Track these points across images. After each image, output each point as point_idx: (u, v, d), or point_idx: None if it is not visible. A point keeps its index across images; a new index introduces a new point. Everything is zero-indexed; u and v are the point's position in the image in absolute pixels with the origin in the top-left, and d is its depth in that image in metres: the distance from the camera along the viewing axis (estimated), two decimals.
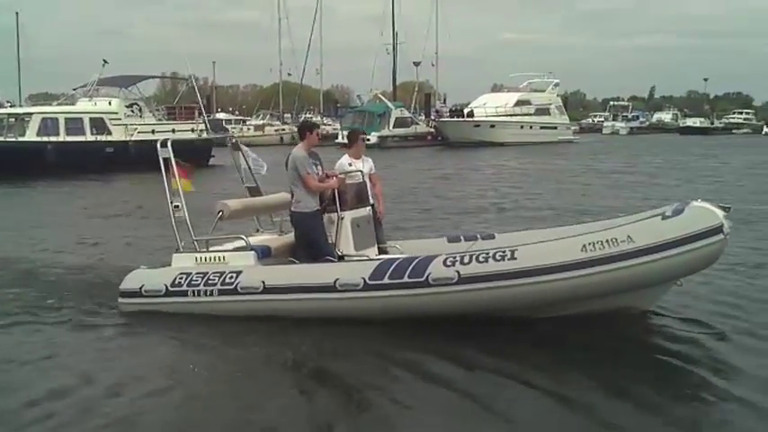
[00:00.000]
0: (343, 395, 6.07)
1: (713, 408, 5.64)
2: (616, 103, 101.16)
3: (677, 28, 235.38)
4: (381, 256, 8.13)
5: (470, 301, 7.06)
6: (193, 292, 7.91)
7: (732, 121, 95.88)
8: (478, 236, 9.01)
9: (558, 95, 66.25)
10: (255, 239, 8.58)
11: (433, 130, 58.07)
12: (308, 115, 72.38)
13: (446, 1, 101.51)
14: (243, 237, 8.37)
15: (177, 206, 8.23)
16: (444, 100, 67.78)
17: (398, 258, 7.50)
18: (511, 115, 57.43)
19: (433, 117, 61.34)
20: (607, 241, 6.86)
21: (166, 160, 8.32)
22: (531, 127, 57.53)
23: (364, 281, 7.32)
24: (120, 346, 7.58)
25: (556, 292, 6.94)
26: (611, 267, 6.81)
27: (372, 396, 5.96)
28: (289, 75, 71.49)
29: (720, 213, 7.04)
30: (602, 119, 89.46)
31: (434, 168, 33.94)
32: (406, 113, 58.77)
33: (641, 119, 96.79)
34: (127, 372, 6.63)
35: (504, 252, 7.06)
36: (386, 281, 7.26)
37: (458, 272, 7.05)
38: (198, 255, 8.21)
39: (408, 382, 6.22)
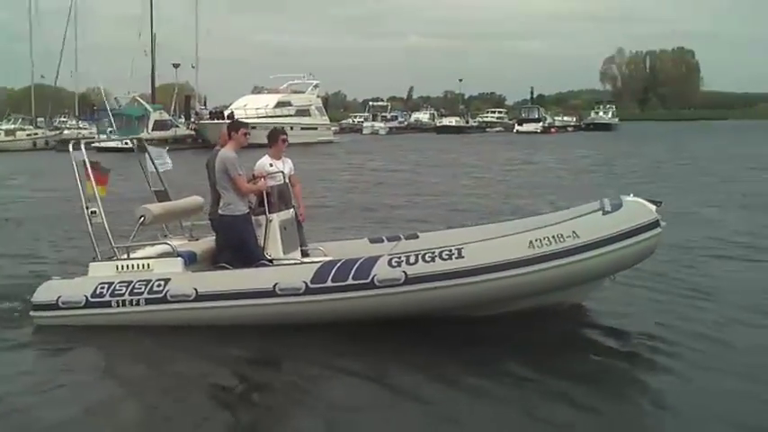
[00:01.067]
0: (284, 405, 5.83)
1: (644, 405, 5.76)
2: (375, 103, 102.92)
3: (434, 30, 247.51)
4: (319, 259, 7.84)
5: (418, 302, 6.89)
6: (117, 302, 7.37)
7: (486, 119, 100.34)
8: (401, 236, 8.85)
9: (318, 96, 67.15)
10: (176, 245, 8.06)
11: (193, 132, 56.61)
12: (62, 119, 70.00)
13: (205, 2, 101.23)
14: (168, 242, 7.88)
15: (94, 212, 7.66)
16: (205, 102, 65.91)
17: (339, 260, 7.23)
18: (272, 117, 56.96)
19: (193, 119, 59.81)
20: (553, 237, 6.85)
21: (80, 163, 7.73)
22: (291, 128, 56.29)
23: (306, 285, 7.01)
24: (38, 363, 7.04)
25: (504, 290, 6.87)
26: (559, 263, 6.80)
27: (315, 404, 5.78)
28: (42, 77, 67.90)
29: (653, 207, 7.18)
30: (363, 119, 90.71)
31: (192, 173, 32.45)
32: (166, 116, 57.46)
33: (400, 119, 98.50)
34: (49, 391, 6.13)
35: (450, 251, 6.92)
36: (329, 284, 6.98)
37: (404, 272, 6.86)
38: (119, 263, 7.66)
39: (349, 386, 6.08)
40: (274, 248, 7.89)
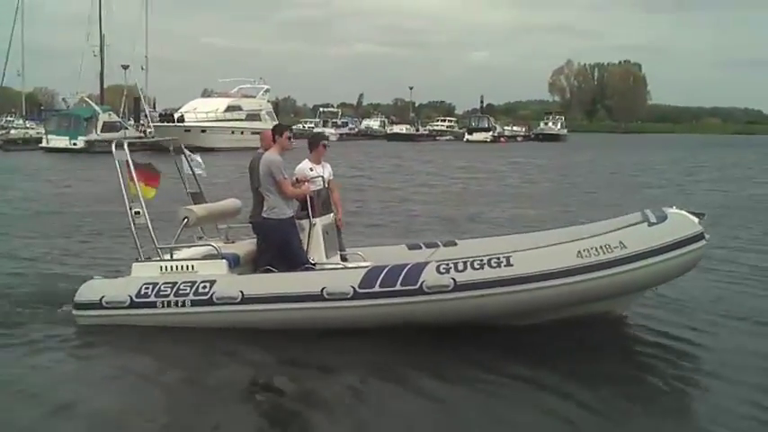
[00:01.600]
0: (334, 410, 5.79)
1: (690, 410, 5.86)
2: (326, 109, 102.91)
3: (384, 38, 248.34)
4: (364, 263, 7.85)
5: (466, 309, 6.93)
6: (162, 303, 7.38)
7: (436, 128, 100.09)
8: (440, 243, 8.90)
9: (268, 101, 66.95)
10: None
11: (142, 134, 55.51)
12: (8, 119, 68.64)
13: (155, 3, 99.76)
14: (213, 244, 7.89)
15: (138, 212, 7.67)
16: (154, 104, 65.35)
17: (386, 266, 7.25)
18: (222, 120, 57.41)
19: (142, 122, 59.80)
20: (601, 247, 6.91)
21: (123, 163, 7.73)
22: (242, 132, 56.44)
23: (354, 289, 7.04)
24: (80, 362, 7.04)
25: (552, 299, 6.92)
26: (606, 273, 6.86)
27: (365, 413, 5.76)
28: None
29: (696, 220, 7.26)
30: (313, 125, 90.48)
31: None
32: (115, 117, 56.61)
33: (351, 125, 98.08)
34: (95, 391, 6.20)
35: (499, 259, 6.96)
36: (377, 289, 7.01)
37: (453, 279, 6.90)
38: (163, 263, 7.67)
39: (398, 395, 6.02)
40: (317, 253, 7.90)
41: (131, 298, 7.45)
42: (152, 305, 7.40)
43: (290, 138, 7.86)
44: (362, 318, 7.05)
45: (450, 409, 5.73)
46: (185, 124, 54.77)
